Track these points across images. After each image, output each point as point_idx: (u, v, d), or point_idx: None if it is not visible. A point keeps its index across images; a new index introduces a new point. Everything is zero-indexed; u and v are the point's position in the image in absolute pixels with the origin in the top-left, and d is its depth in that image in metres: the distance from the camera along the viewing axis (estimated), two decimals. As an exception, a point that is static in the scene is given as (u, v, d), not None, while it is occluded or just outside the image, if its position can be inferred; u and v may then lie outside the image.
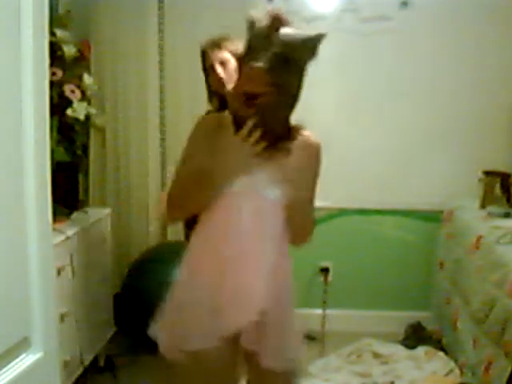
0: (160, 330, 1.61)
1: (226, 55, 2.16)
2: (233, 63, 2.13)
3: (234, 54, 2.16)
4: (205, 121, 1.66)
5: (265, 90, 1.47)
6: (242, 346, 1.59)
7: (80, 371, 2.51)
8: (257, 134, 1.47)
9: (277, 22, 1.48)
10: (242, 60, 1.53)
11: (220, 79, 2.14)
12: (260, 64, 1.46)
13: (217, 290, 1.54)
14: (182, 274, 1.65)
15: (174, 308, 1.62)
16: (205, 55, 2.20)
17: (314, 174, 1.61)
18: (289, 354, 1.62)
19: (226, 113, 1.59)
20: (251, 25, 1.52)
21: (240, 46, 2.19)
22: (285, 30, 1.49)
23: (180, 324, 1.59)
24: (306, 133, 1.59)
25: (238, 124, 1.52)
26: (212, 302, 1.54)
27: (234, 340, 1.57)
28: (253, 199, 1.55)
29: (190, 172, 1.57)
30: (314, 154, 1.59)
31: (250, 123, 1.47)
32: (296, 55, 1.51)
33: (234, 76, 2.12)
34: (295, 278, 1.68)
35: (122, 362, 2.93)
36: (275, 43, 1.48)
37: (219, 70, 2.14)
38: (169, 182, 1.57)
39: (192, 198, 1.57)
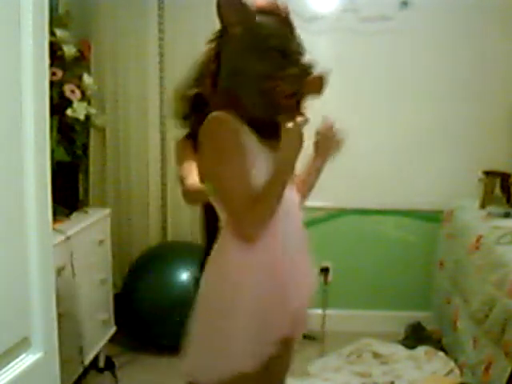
0: (187, 347, 1.41)
1: None
2: None
3: None
4: (226, 120, 1.37)
5: None
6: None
7: (80, 371, 2.51)
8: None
9: (290, 19, 1.45)
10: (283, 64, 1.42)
11: None
12: (324, 73, 1.45)
13: (270, 289, 1.42)
14: (218, 281, 1.44)
15: (209, 320, 1.42)
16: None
17: None
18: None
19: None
20: (248, 17, 1.41)
21: None
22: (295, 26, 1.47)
23: (219, 338, 1.38)
24: None
25: (255, 125, 1.43)
26: (264, 309, 1.40)
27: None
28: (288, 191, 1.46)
29: (245, 179, 1.36)
30: None
31: (303, 117, 1.50)
32: None
33: None
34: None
35: (122, 362, 2.94)
36: (300, 43, 1.47)
37: None
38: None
39: (275, 207, 1.39)
